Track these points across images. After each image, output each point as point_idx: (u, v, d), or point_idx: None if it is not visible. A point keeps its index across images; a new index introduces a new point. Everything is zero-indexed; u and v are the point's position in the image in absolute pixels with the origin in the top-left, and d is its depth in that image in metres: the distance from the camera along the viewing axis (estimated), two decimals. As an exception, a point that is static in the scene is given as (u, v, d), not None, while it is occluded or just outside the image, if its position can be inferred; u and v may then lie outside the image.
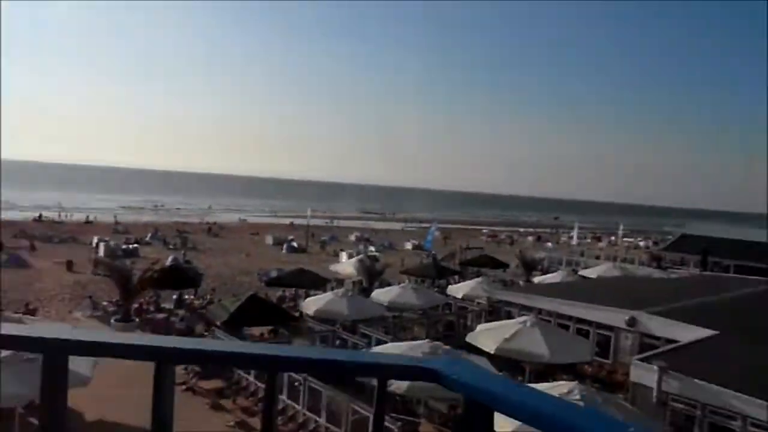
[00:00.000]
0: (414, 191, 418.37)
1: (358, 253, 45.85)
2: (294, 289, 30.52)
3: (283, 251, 54.95)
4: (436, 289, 32.71)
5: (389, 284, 30.90)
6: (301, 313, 24.83)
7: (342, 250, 52.14)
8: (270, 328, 22.98)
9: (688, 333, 19.96)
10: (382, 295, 26.59)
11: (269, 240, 61.13)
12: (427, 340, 16.57)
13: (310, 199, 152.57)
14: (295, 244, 58.09)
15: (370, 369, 1.52)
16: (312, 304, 23.83)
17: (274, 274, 34.22)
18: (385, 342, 19.14)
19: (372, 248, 57.14)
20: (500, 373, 15.95)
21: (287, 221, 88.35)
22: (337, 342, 21.66)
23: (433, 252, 49.92)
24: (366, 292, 29.05)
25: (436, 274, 36.49)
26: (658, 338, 20.92)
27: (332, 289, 28.43)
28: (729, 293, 29.10)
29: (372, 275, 32.32)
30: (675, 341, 19.55)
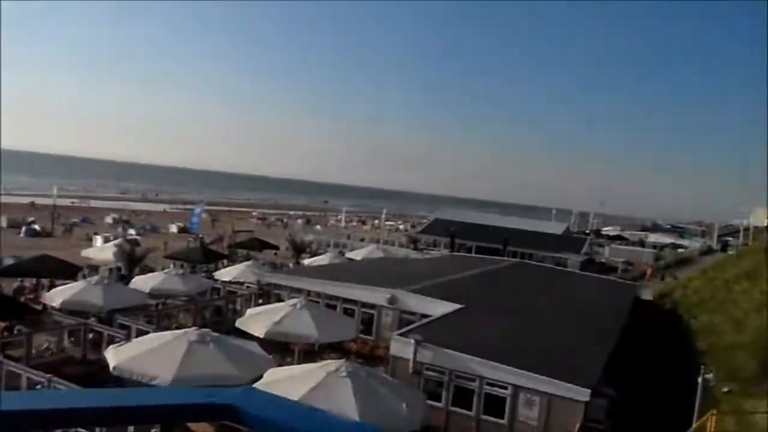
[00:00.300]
0: (182, 171, 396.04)
1: (115, 237, 42.28)
2: (35, 278, 26.83)
3: (22, 235, 48.45)
4: (203, 274, 31.61)
5: (152, 270, 28.97)
6: (45, 305, 21.98)
7: (96, 233, 47.54)
8: (4, 324, 19.94)
9: (439, 308, 22.29)
10: (143, 282, 24.89)
11: (2, 222, 52.94)
12: (194, 328, 15.83)
13: (59, 176, 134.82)
14: (37, 226, 51.44)
15: (152, 413, 1.24)
16: (58, 294, 21.22)
17: (9, 261, 29.60)
18: (148, 332, 17.82)
19: (132, 231, 53.36)
20: (270, 356, 16.00)
21: (27, 200, 77.18)
22: (90, 335, 19.65)
23: (200, 235, 48.07)
24: (125, 279, 26.83)
25: (204, 257, 35.21)
26: (414, 314, 22.95)
27: (84, 277, 25.65)
28: (471, 271, 33.17)
29: (132, 261, 29.96)
30: (428, 316, 21.68)
